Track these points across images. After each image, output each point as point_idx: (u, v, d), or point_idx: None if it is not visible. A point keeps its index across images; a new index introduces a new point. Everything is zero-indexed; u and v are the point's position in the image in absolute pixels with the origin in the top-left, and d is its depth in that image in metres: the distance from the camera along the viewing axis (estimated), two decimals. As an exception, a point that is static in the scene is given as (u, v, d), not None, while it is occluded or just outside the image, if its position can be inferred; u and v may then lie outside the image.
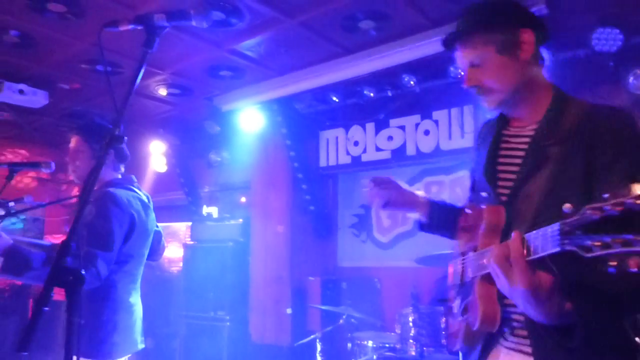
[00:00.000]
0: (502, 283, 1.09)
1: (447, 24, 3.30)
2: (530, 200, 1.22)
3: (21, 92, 4.16)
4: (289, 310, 4.57)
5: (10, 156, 6.12)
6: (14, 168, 2.46)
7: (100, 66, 4.00)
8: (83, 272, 1.12)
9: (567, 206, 1.08)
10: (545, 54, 1.34)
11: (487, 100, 1.34)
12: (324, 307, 4.04)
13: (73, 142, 2.36)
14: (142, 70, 1.31)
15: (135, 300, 2.50)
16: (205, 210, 5.45)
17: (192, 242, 5.24)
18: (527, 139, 1.30)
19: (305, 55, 3.84)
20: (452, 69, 3.61)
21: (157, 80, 4.29)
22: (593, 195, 1.04)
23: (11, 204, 3.31)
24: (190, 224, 5.48)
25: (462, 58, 1.34)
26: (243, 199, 5.44)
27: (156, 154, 5.46)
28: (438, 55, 3.35)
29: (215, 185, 5.75)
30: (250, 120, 4.66)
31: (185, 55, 3.81)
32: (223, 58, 3.86)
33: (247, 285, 4.86)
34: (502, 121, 1.41)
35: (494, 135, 1.39)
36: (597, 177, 1.14)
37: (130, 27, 1.31)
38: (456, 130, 4.05)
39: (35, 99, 4.24)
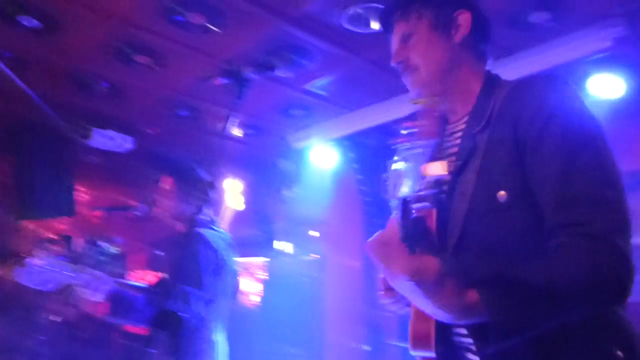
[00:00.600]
0: (385, 273, 0.93)
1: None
2: (464, 196, 1.10)
3: (110, 137, 4.45)
4: (365, 347, 4.51)
5: (99, 197, 6.51)
6: (109, 211, 2.62)
7: (181, 111, 4.23)
8: (183, 315, 1.17)
9: (501, 194, 1.03)
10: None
11: (411, 81, 1.25)
12: (401, 344, 3.95)
13: (165, 183, 2.48)
14: (230, 119, 1.37)
15: (220, 337, 2.56)
16: (279, 245, 5.54)
17: (267, 278, 5.32)
18: (460, 133, 1.19)
19: (373, 91, 3.88)
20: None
21: (233, 121, 4.46)
22: (527, 177, 1.02)
23: (102, 243, 3.49)
24: (264, 259, 5.58)
25: (395, 34, 1.26)
26: (315, 233, 5.49)
27: (231, 192, 5.64)
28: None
29: (288, 221, 5.83)
30: (322, 156, 4.73)
31: (260, 97, 3.95)
32: (295, 98, 3.97)
33: (322, 321, 4.84)
34: (444, 122, 1.28)
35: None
36: (526, 158, 1.05)
37: (221, 80, 1.39)
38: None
39: (122, 143, 4.51)
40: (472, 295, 0.91)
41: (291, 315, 4.85)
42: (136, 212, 2.67)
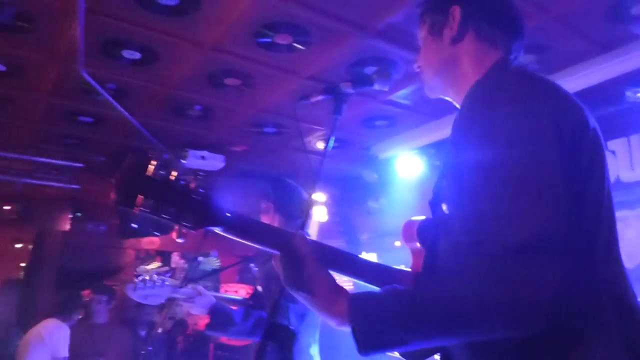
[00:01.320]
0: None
1: (616, 48, 3.06)
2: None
3: (203, 157, 4.69)
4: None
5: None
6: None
7: (267, 128, 4.38)
8: (296, 329, 1.21)
9: (443, 207, 1.00)
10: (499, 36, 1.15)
11: (424, 83, 1.27)
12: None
13: (266, 208, 2.55)
14: (333, 136, 1.41)
15: (315, 351, 2.60)
16: (365, 256, 5.54)
17: (352, 289, 5.32)
18: None
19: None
20: (628, 93, 3.32)
21: (317, 135, 4.56)
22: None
23: (200, 258, 3.69)
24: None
25: None
26: (397, 243, 5.44)
27: (317, 204, 5.74)
28: (610, 80, 3.12)
29: (374, 232, 5.83)
30: (407, 166, 4.71)
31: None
32: (378, 109, 4.00)
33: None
34: None
35: None
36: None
37: (321, 97, 1.43)
38: (638, 159, 3.66)
39: (214, 162, 4.73)
40: (342, 304, 0.95)
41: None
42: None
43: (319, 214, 5.76)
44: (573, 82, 3.27)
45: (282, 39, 2.99)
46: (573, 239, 0.83)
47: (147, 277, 2.35)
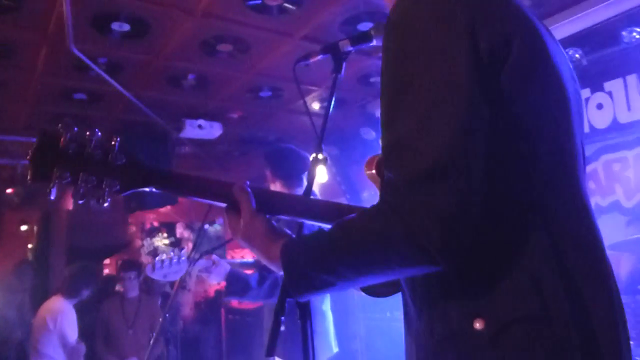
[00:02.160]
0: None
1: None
2: None
3: (199, 126, 4.69)
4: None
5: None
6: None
7: (263, 93, 4.35)
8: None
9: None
10: None
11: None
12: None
13: (266, 176, 2.59)
14: (334, 95, 1.42)
15: (327, 307, 2.67)
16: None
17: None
18: None
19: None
20: (624, 33, 3.29)
21: (313, 96, 4.54)
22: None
23: (206, 226, 3.71)
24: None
25: None
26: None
27: (319, 165, 5.74)
28: (606, 21, 3.10)
29: (375, 189, 5.87)
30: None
31: (338, 70, 3.98)
32: (375, 65, 3.97)
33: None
34: None
35: None
36: None
37: (320, 57, 1.44)
38: (636, 100, 3.66)
39: (212, 131, 4.74)
40: (277, 250, 0.96)
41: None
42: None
43: (320, 174, 5.77)
44: (569, 25, 3.24)
45: (271, 1, 2.95)
46: (489, 166, 0.78)
47: (165, 257, 2.41)
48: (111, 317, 4.62)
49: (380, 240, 0.80)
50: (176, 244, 7.20)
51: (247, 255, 6.25)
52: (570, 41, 3.45)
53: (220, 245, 4.23)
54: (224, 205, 1.06)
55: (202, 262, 2.44)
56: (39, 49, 3.31)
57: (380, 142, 0.89)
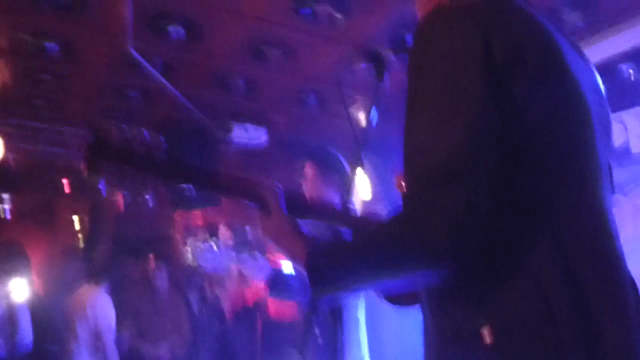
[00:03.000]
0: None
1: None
2: None
3: (246, 130, 4.80)
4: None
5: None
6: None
7: (309, 98, 4.42)
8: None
9: None
10: None
11: None
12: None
13: (309, 168, 2.61)
14: (375, 101, 1.45)
15: (361, 315, 2.67)
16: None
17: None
18: None
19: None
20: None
21: (358, 104, 4.57)
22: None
23: (247, 227, 3.79)
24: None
25: None
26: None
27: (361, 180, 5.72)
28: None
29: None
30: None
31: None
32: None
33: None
34: None
35: None
36: None
37: (364, 65, 1.47)
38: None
39: (258, 135, 4.84)
40: (302, 251, 0.98)
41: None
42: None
43: (363, 192, 5.74)
44: (619, 41, 3.16)
45: (321, 9, 3.01)
46: (500, 169, 0.80)
47: (212, 244, 2.49)
48: (142, 305, 4.74)
49: (394, 241, 0.85)
50: (218, 245, 7.30)
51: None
52: (622, 58, 3.36)
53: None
54: (256, 205, 1.12)
55: (243, 257, 2.49)
56: (99, 48, 3.49)
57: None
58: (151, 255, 4.89)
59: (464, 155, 0.79)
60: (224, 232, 7.76)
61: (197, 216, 7.63)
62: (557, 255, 0.81)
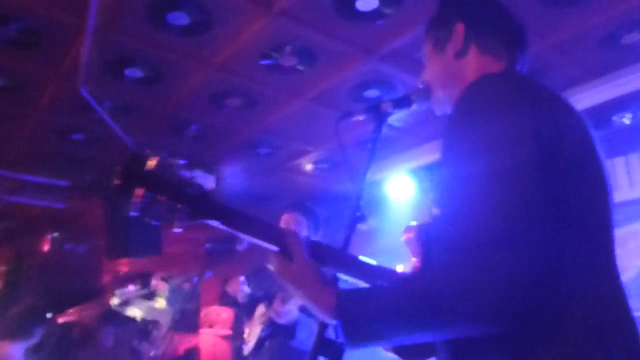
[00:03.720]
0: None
1: (605, 74, 3.23)
2: None
3: (193, 177, 4.66)
4: None
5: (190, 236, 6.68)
6: (214, 246, 2.77)
7: (263, 149, 4.40)
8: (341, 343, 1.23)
9: (434, 210, 1.03)
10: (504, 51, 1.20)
11: (433, 100, 1.33)
12: None
13: (292, 218, 2.58)
14: (373, 155, 1.45)
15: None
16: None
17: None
18: None
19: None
20: (614, 118, 3.48)
21: (308, 158, 4.60)
22: None
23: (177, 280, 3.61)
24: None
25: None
26: (400, 267, 5.46)
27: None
28: (598, 105, 3.29)
29: (366, 254, 5.83)
30: (398, 187, 4.77)
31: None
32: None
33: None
34: None
35: None
36: None
37: (362, 117, 1.48)
38: (623, 180, 3.83)
39: (205, 182, 4.71)
40: (330, 298, 0.99)
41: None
42: (238, 247, 2.80)
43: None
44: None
45: (286, 61, 3.04)
46: (545, 239, 0.86)
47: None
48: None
49: (442, 301, 0.86)
50: (150, 296, 6.95)
51: (222, 315, 6.06)
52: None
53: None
54: (276, 249, 1.09)
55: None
56: (48, 87, 3.32)
57: (435, 209, 0.97)
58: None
59: (518, 226, 0.84)
60: (157, 283, 7.40)
61: (128, 265, 7.25)
62: (591, 322, 0.87)
